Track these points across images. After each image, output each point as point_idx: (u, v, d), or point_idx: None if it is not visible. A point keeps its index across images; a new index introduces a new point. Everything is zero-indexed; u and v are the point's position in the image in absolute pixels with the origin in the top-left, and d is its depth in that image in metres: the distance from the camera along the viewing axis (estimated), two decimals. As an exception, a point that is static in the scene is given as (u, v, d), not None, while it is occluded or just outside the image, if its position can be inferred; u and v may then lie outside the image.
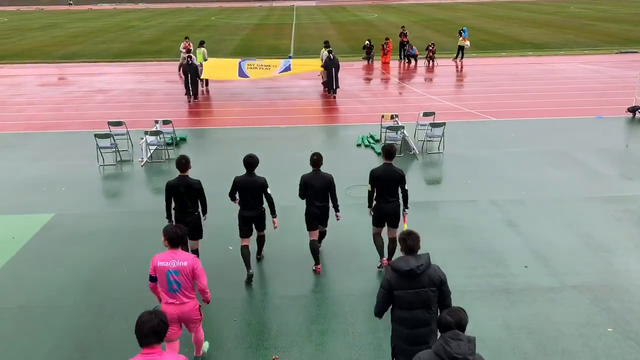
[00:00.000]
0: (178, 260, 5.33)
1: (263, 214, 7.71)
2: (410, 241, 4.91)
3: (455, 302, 6.89)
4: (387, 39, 26.64)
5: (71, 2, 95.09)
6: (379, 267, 7.88)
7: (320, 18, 54.65)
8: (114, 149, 12.53)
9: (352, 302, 7.08)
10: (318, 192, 7.65)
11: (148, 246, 8.53)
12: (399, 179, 7.44)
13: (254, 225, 7.73)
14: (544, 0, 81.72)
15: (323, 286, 7.49)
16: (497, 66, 25.22)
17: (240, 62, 19.09)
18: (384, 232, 7.76)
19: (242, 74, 18.60)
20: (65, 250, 8.59)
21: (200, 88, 19.66)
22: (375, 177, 7.47)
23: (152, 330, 3.67)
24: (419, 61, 26.20)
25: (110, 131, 12.93)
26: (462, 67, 25.41)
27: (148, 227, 9.21)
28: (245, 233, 7.64)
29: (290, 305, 7.07)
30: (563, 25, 42.72)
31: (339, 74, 18.76)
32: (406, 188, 7.56)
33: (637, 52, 28.76)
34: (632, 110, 15.85)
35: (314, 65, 19.92)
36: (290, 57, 23.41)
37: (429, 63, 25.75)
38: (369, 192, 7.59)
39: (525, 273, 7.67)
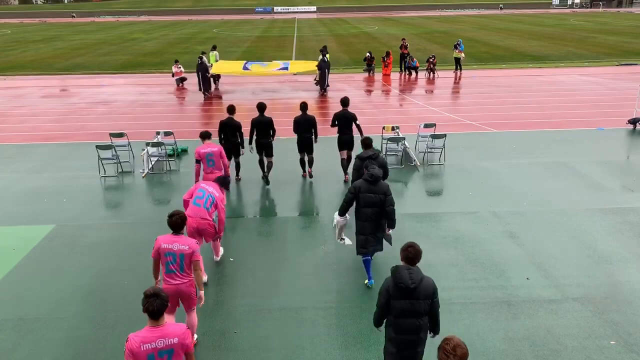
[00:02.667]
0: (211, 147, 9.45)
1: (271, 144, 11.55)
2: (371, 153, 8.30)
3: (456, 314, 6.92)
4: (388, 52, 26.76)
5: (74, 15, 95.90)
6: (344, 181, 11.67)
7: (321, 30, 55.01)
8: (116, 160, 12.55)
9: (353, 313, 7.04)
10: (304, 128, 11.51)
11: (148, 257, 8.51)
12: (352, 117, 11.42)
13: (264, 153, 11.59)
14: (544, 13, 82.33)
15: (324, 297, 7.45)
16: (497, 78, 25.32)
17: (244, 63, 22.60)
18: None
19: (245, 68, 22.10)
20: (65, 261, 8.58)
21: (212, 85, 22.90)
22: (336, 117, 11.56)
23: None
24: (419, 73, 26.33)
25: (111, 142, 12.97)
26: (459, 79, 25.50)
27: (149, 238, 9.18)
28: (260, 152, 11.67)
29: (292, 317, 7.04)
30: (563, 37, 42.95)
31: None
32: (358, 123, 11.49)
33: (636, 64, 28.88)
34: (633, 122, 15.87)
35: (309, 66, 22.69)
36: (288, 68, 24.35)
37: (429, 75, 25.86)
38: (331, 125, 11.64)
39: (526, 285, 7.64)
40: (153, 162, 12.99)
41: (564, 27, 52.79)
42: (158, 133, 14.00)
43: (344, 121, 11.45)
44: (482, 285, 7.64)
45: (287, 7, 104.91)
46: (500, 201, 10.64)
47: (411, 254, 4.99)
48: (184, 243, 5.80)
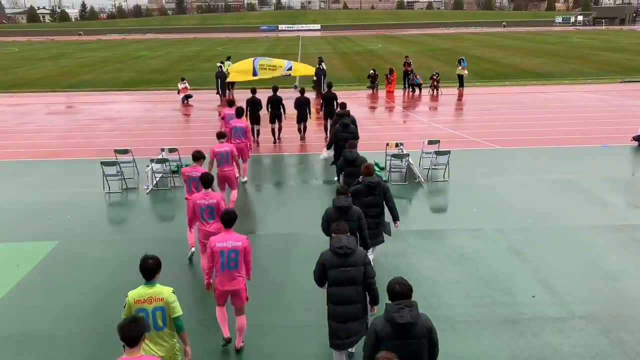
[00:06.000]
0: (239, 122, 12.50)
1: (281, 115, 16.15)
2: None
3: (461, 332, 6.85)
4: (391, 69, 26.89)
5: (81, 33, 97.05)
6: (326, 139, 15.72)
7: (325, 48, 55.41)
8: (120, 177, 12.59)
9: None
10: (300, 105, 16.23)
11: (152, 274, 8.50)
12: (334, 96, 16.24)
13: (275, 121, 16.22)
14: (547, 30, 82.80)
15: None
16: (501, 95, 25.39)
17: (254, 60, 22.84)
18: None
19: (255, 73, 22.79)
20: (68, 277, 8.56)
21: (227, 92, 25.45)
22: (323, 96, 16.94)
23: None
24: (423, 90, 26.43)
25: (116, 159, 13.02)
26: (461, 96, 25.56)
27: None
28: (273, 121, 16.27)
29: (296, 334, 6.99)
30: (566, 54, 43.13)
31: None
32: (337, 101, 15.25)
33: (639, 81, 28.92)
34: (637, 139, 15.84)
35: (309, 71, 24.28)
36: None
37: (433, 92, 25.95)
38: (321, 104, 16.89)
39: (532, 302, 7.57)
40: (157, 179, 13.02)
41: (567, 45, 53.04)
42: (163, 149, 14.05)
43: (329, 99, 16.39)
44: (487, 303, 7.58)
45: (291, 25, 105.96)
46: (504, 218, 10.59)
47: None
48: (227, 147, 10.48)
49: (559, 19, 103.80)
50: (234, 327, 6.62)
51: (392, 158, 13.04)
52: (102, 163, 12.56)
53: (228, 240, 6.23)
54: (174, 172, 13.23)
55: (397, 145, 14.07)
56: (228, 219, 6.30)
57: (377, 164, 13.87)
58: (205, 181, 7.70)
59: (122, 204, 12.01)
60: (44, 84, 31.99)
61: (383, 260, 8.72)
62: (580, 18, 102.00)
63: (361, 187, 7.80)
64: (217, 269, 6.30)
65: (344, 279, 5.52)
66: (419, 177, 13.02)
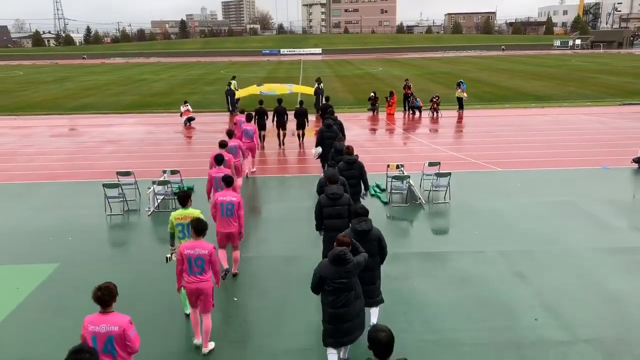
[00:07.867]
0: (249, 126, 15.30)
1: (286, 122, 19.14)
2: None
3: (464, 355, 6.78)
4: (391, 92, 27.13)
5: (85, 56, 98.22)
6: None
7: (327, 71, 55.93)
8: (122, 199, 12.59)
9: (360, 352, 6.90)
10: (299, 115, 19.31)
11: (153, 297, 8.46)
12: (332, 108, 16.92)
13: (280, 128, 19.07)
14: (545, 54, 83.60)
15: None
16: (501, 117, 25.53)
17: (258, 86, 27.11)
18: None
19: (260, 84, 26.56)
20: (69, 300, 8.51)
21: (236, 109, 26.59)
22: (321, 107, 19.41)
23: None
24: (423, 112, 26.59)
25: (118, 181, 13.05)
26: (461, 118, 25.71)
27: (153, 278, 9.15)
28: (278, 128, 19.12)
29: (297, 359, 6.90)
30: (565, 77, 43.48)
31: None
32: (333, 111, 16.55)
33: (639, 104, 29.08)
34: (638, 161, 15.87)
35: (309, 91, 27.00)
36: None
37: (433, 114, 26.10)
38: (319, 110, 20.61)
39: (536, 326, 7.50)
40: (159, 201, 13.03)
41: (566, 68, 53.51)
42: (164, 171, 14.09)
43: (326, 111, 17.39)
44: (490, 327, 7.51)
45: (293, 49, 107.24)
46: (506, 240, 10.56)
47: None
48: (235, 142, 12.76)
49: (557, 43, 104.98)
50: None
51: (393, 180, 13.06)
52: (104, 185, 12.58)
53: (227, 195, 8.50)
54: (175, 193, 13.23)
55: (397, 167, 14.10)
56: (228, 181, 8.74)
57: (378, 186, 13.91)
58: (218, 160, 10.29)
59: (123, 226, 11.99)
60: (48, 106, 32.25)
61: (385, 283, 8.65)
62: (578, 42, 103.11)
63: (342, 163, 10.18)
64: (218, 216, 8.52)
65: (333, 214, 8.12)
66: (420, 198, 13.03)
